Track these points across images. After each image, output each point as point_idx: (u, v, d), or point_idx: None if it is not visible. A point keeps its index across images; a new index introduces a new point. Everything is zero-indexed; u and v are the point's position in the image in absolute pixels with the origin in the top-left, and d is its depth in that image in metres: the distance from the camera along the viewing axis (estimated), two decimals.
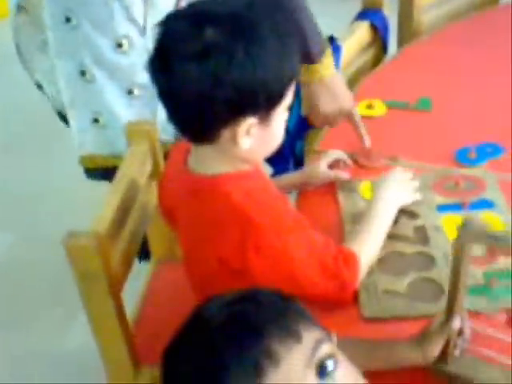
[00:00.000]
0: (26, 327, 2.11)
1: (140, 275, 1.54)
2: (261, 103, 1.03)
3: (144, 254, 1.70)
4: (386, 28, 2.03)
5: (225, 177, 1.09)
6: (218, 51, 0.98)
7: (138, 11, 1.52)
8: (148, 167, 1.40)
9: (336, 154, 1.47)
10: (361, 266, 1.15)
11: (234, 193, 1.06)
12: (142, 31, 1.54)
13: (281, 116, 1.09)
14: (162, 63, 1.02)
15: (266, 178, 1.20)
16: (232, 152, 1.07)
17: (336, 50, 1.83)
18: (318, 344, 0.74)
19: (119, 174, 1.30)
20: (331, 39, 1.84)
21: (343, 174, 1.44)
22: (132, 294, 1.46)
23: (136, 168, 1.34)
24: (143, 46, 1.54)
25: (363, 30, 1.97)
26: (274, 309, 0.76)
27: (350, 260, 1.13)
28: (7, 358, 2.02)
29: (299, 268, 1.09)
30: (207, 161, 1.10)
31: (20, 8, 1.70)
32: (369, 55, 2.04)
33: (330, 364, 0.74)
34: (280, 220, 1.08)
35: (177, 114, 1.06)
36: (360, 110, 1.59)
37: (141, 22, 1.53)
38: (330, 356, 0.74)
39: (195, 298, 1.30)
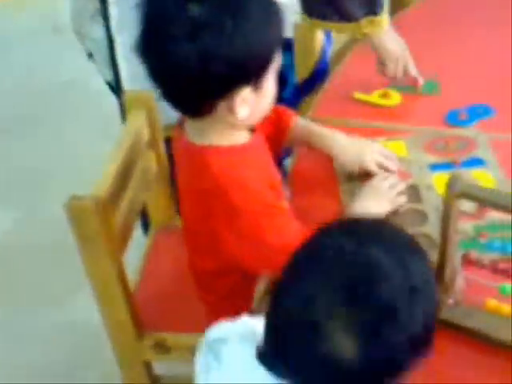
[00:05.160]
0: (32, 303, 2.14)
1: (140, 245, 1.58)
2: (252, 72, 1.06)
3: (146, 225, 1.72)
4: None
5: (212, 148, 1.11)
6: (208, 28, 0.99)
7: None
8: (146, 136, 1.42)
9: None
10: None
11: (214, 164, 1.10)
12: None
13: (271, 78, 1.11)
14: (153, 44, 1.04)
15: (258, 153, 1.19)
16: (229, 121, 1.09)
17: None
18: None
19: (117, 143, 1.32)
20: None
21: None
22: (133, 263, 1.49)
23: (134, 136, 1.36)
24: None
25: None
26: None
27: None
28: (12, 336, 2.06)
29: (266, 249, 1.11)
30: (201, 132, 1.13)
31: None
32: None
33: None
34: (255, 200, 1.10)
35: (173, 92, 1.08)
36: (374, 99, 1.59)
37: None
38: None
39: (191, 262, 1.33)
